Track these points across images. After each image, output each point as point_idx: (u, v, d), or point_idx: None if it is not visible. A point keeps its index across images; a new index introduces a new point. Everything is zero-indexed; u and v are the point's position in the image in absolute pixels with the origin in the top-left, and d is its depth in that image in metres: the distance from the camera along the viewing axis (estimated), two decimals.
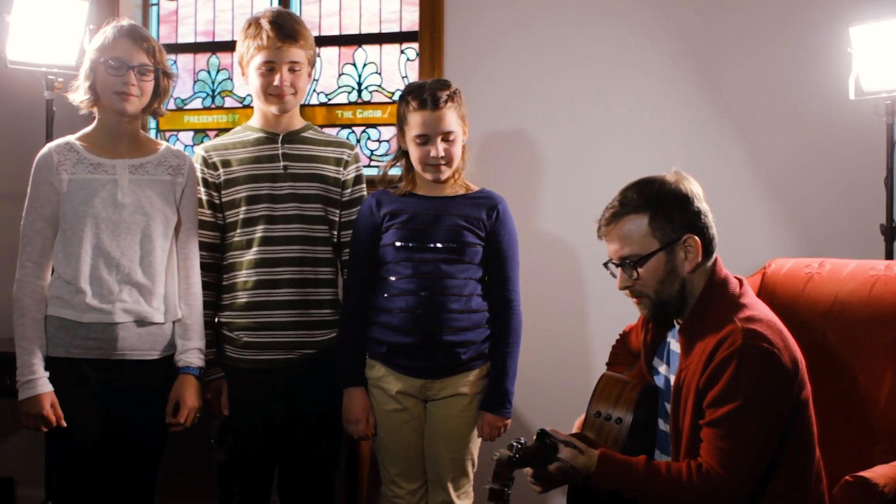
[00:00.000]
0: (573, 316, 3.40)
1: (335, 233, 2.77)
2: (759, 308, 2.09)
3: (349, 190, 2.78)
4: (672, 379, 2.17)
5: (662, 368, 2.27)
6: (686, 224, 2.09)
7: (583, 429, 2.27)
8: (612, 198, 2.17)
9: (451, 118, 2.57)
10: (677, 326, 2.17)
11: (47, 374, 2.41)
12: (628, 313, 3.23)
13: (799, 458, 2.05)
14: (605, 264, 2.20)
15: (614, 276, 2.19)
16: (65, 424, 2.40)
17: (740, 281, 2.15)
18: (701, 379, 2.01)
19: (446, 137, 2.57)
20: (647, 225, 2.09)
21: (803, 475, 2.05)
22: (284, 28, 2.65)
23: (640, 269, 2.11)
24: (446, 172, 2.60)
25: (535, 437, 2.11)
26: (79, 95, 2.51)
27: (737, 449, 1.96)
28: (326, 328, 2.72)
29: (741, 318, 2.02)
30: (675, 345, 2.20)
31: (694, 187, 2.13)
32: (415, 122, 2.57)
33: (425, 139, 2.56)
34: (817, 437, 2.10)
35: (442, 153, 2.56)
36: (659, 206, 2.09)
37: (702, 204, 2.12)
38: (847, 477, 2.02)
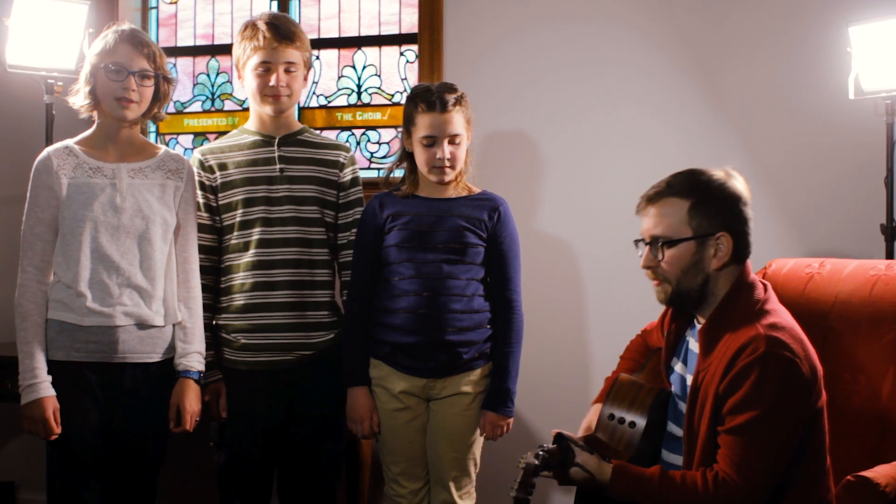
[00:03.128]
0: (573, 317, 3.40)
1: (332, 235, 2.78)
2: (782, 315, 2.08)
3: (345, 192, 2.79)
4: (688, 378, 2.18)
5: (678, 367, 2.26)
6: (723, 223, 2.08)
7: (595, 430, 2.28)
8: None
9: (458, 121, 2.59)
10: (697, 326, 2.17)
11: (50, 378, 2.41)
12: (627, 314, 3.25)
13: (812, 465, 2.05)
14: (636, 242, 2.18)
15: (641, 256, 2.17)
16: (59, 430, 2.40)
17: (765, 286, 2.14)
18: (721, 384, 2.00)
19: (452, 140, 2.59)
20: (686, 211, 2.09)
21: (816, 482, 2.06)
22: (281, 29, 2.67)
23: (667, 252, 2.10)
24: (450, 175, 2.62)
25: (552, 441, 2.13)
26: (79, 100, 2.51)
27: (754, 457, 1.96)
28: (324, 330, 2.73)
29: (765, 325, 2.01)
30: (693, 344, 2.20)
31: (742, 189, 2.12)
32: (422, 123, 2.59)
33: (432, 141, 2.58)
34: (828, 443, 2.10)
35: (448, 155, 2.58)
36: (702, 197, 2.09)
37: (746, 209, 2.11)
38: (849, 476, 2.02)
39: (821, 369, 2.05)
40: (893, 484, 2.02)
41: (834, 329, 2.41)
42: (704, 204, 2.08)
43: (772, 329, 2.00)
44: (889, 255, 2.88)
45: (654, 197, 2.14)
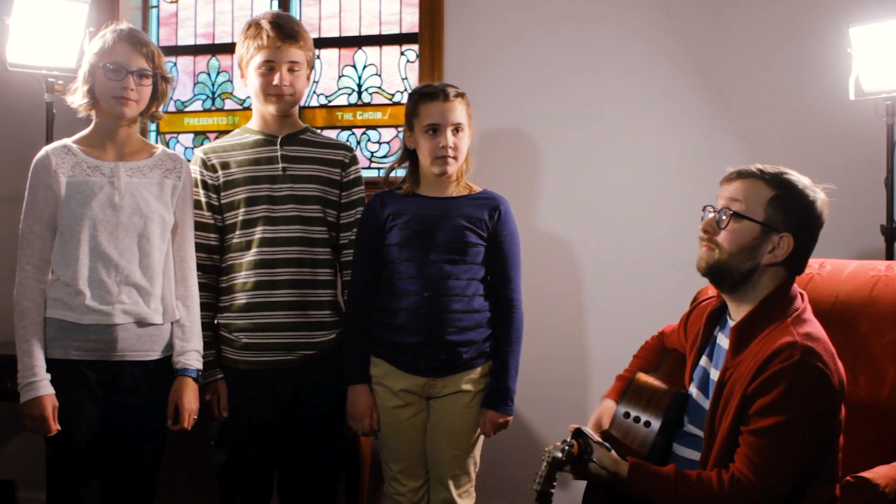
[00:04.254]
0: (572, 315, 3.40)
1: (334, 234, 2.78)
2: (816, 326, 2.09)
3: (348, 192, 2.79)
4: (712, 373, 2.18)
5: (703, 360, 2.26)
6: (794, 227, 2.09)
7: (609, 427, 2.29)
8: None
9: (460, 111, 2.61)
10: (730, 322, 2.17)
11: (49, 376, 2.41)
12: (627, 313, 3.25)
13: (825, 472, 2.05)
14: (705, 207, 2.19)
15: (702, 219, 2.18)
16: (59, 427, 2.40)
17: (803, 295, 2.15)
18: (751, 385, 2.00)
19: (455, 130, 2.60)
20: (767, 198, 2.10)
21: (826, 487, 2.05)
22: (285, 28, 2.68)
23: (732, 223, 2.11)
24: (453, 166, 2.62)
25: (571, 436, 2.13)
26: (77, 99, 2.51)
27: (773, 461, 1.96)
28: (326, 329, 2.73)
29: (801, 333, 2.02)
30: (722, 339, 2.20)
31: (823, 213, 2.14)
32: (426, 112, 2.60)
33: (436, 129, 2.59)
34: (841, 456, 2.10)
35: (451, 144, 2.58)
36: (787, 196, 2.10)
37: (818, 232, 2.14)
38: (848, 477, 2.02)
39: (846, 385, 2.05)
40: (893, 485, 2.01)
41: (834, 330, 2.40)
42: (787, 201, 2.10)
43: (807, 339, 2.01)
44: (889, 256, 2.88)
45: (744, 174, 2.15)
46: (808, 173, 3.14)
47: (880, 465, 2.10)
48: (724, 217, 2.12)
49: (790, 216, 2.10)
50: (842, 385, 2.01)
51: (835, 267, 2.53)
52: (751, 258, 2.10)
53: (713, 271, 2.15)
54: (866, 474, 2.02)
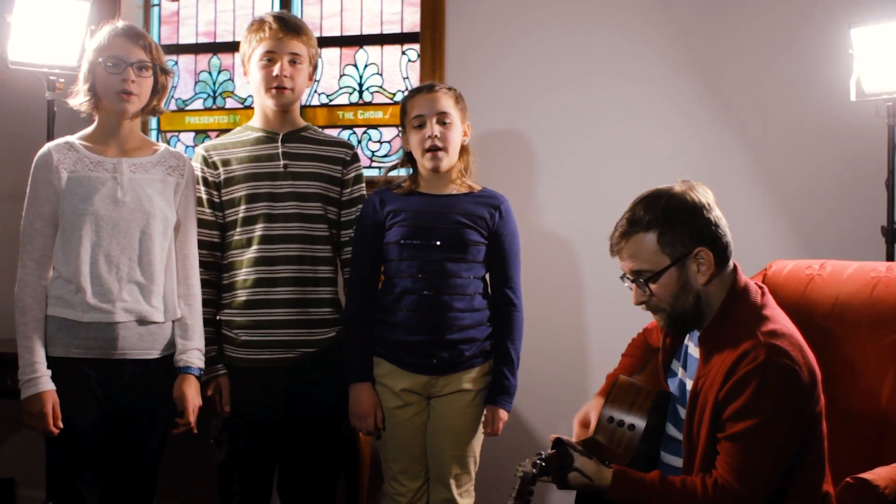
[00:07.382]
0: (572, 316, 3.40)
1: (335, 231, 2.78)
2: (780, 321, 2.08)
3: (349, 189, 2.79)
4: (688, 383, 2.18)
5: (679, 371, 2.26)
6: (695, 237, 2.07)
7: (594, 433, 2.28)
8: (622, 214, 2.15)
9: (446, 101, 2.63)
10: (697, 332, 2.16)
11: (49, 372, 2.41)
12: (626, 311, 3.23)
13: (811, 468, 2.05)
14: (622, 278, 2.18)
15: (630, 289, 2.17)
16: (61, 426, 2.40)
17: (762, 289, 2.13)
18: (721, 392, 2.00)
19: (442, 119, 2.61)
20: (656, 242, 2.08)
21: (814, 484, 2.06)
22: (288, 22, 2.72)
23: (652, 286, 2.10)
24: (444, 160, 2.62)
25: (551, 447, 2.13)
26: (79, 99, 2.51)
27: (753, 464, 1.96)
28: (326, 327, 2.73)
29: (764, 332, 2.01)
30: (693, 349, 2.20)
31: (703, 196, 2.10)
32: (412, 106, 2.65)
33: (422, 120, 2.61)
34: (826, 446, 2.10)
35: (437, 133, 2.59)
36: (667, 222, 2.07)
37: (712, 213, 2.09)
38: (848, 478, 2.02)
39: (819, 374, 2.05)
40: (892, 486, 2.01)
41: (834, 330, 2.41)
42: (671, 228, 2.07)
43: (771, 336, 2.00)
44: (889, 257, 2.87)
45: (622, 238, 2.13)
46: (809, 174, 3.17)
47: (880, 467, 2.10)
48: (643, 287, 2.11)
49: (684, 234, 2.07)
50: (812, 377, 2.01)
51: (835, 268, 2.52)
52: (689, 293, 2.10)
53: (674, 327, 2.17)
54: (866, 475, 2.02)
